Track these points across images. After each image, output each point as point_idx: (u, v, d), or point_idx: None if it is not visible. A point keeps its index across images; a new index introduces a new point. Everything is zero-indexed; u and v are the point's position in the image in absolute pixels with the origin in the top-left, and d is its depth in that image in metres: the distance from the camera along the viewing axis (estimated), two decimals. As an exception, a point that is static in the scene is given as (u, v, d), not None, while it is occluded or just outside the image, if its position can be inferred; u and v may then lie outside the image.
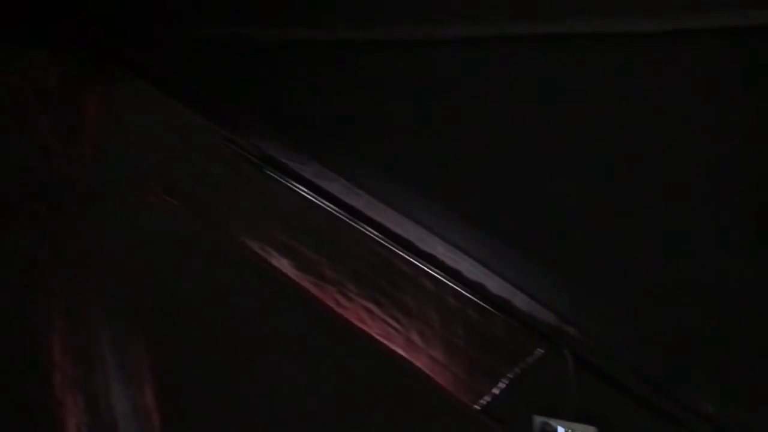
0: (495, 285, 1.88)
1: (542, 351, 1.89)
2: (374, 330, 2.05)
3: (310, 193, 1.97)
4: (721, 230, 1.61)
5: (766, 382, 1.66)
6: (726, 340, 1.66)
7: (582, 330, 1.81)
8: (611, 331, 1.78)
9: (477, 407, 2.00)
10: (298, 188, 1.97)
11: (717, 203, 1.58)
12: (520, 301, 1.86)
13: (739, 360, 1.65)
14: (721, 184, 1.56)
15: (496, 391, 1.97)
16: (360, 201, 1.91)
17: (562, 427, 1.85)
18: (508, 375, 1.94)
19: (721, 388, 1.69)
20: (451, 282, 1.92)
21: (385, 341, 2.06)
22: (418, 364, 2.05)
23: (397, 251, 1.94)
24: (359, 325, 2.07)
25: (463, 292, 1.92)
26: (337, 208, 1.96)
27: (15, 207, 2.10)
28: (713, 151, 1.54)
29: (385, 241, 1.94)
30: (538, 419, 1.89)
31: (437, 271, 1.92)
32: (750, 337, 1.64)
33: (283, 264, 2.10)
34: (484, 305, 1.91)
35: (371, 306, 2.04)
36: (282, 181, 1.98)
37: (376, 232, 1.94)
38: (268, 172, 2.00)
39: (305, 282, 2.09)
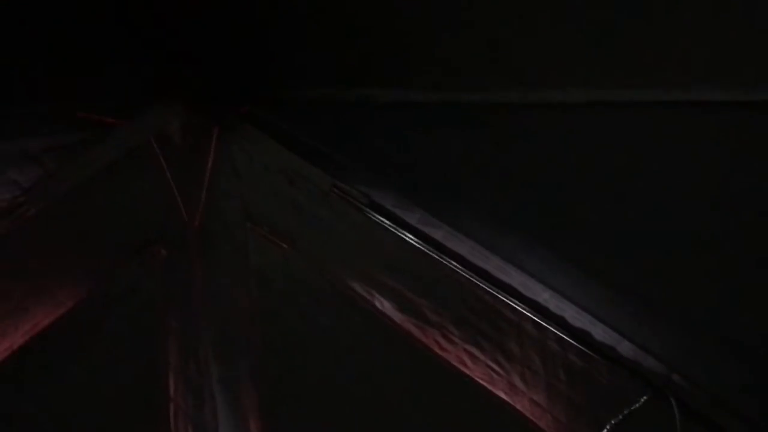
0: (600, 332, 1.90)
1: (647, 398, 1.89)
2: (476, 373, 2.10)
3: (415, 239, 2.05)
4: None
5: None
6: None
7: (689, 378, 1.81)
8: (719, 378, 1.78)
9: (579, 453, 2.01)
10: (404, 234, 2.06)
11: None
12: (625, 348, 1.88)
13: None
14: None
15: (598, 437, 1.98)
16: (464, 247, 1.98)
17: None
18: (612, 422, 1.95)
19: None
20: (554, 328, 1.95)
21: (487, 384, 2.10)
22: (519, 407, 2.08)
23: (500, 296, 1.99)
24: (461, 368, 2.12)
25: (566, 338, 1.95)
26: (440, 254, 2.03)
27: (138, 250, 2.26)
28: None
29: (488, 287, 1.99)
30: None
31: (540, 316, 1.96)
32: None
33: (386, 306, 2.18)
34: (588, 351, 1.93)
35: (473, 350, 2.09)
36: (388, 227, 2.07)
37: (479, 278, 2.00)
38: (375, 218, 2.09)
39: (408, 324, 2.16)
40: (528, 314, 1.98)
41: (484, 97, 1.64)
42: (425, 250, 2.06)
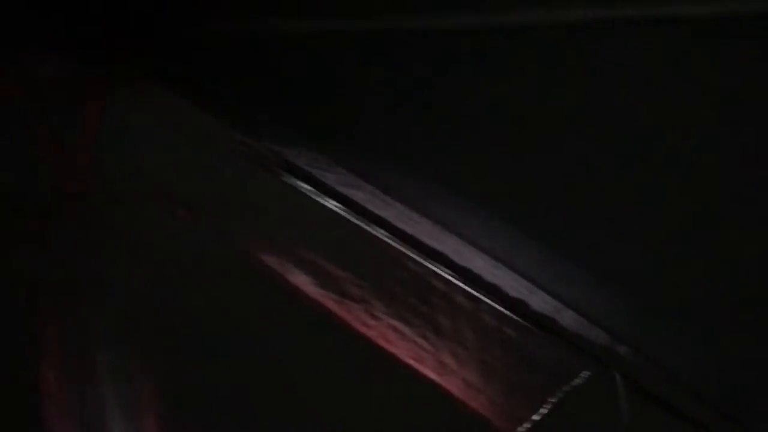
0: (539, 301, 1.73)
1: (590, 374, 1.74)
2: (403, 351, 1.89)
3: (335, 203, 1.81)
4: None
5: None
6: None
7: (636, 350, 1.67)
8: (669, 350, 1.64)
9: (516, 435, 1.84)
10: (322, 197, 1.81)
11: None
12: (566, 318, 1.72)
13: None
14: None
15: (537, 417, 1.81)
16: (391, 211, 1.75)
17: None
18: (551, 400, 1.78)
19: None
20: (488, 298, 1.77)
21: (414, 364, 1.89)
22: (450, 388, 1.88)
23: (431, 266, 1.79)
24: (386, 346, 1.90)
25: (501, 309, 1.77)
26: (364, 219, 1.81)
27: (5, 223, 1.90)
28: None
29: (417, 255, 1.78)
30: (586, 448, 1.74)
31: (474, 286, 1.77)
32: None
33: (303, 281, 1.92)
34: (525, 323, 1.76)
35: (400, 326, 1.87)
36: (303, 190, 1.82)
37: (407, 245, 1.78)
38: (288, 180, 1.83)
39: (327, 300, 1.91)
40: (460, 284, 1.78)
41: (420, 24, 1.41)
42: (346, 215, 1.83)
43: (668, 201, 1.58)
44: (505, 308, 1.75)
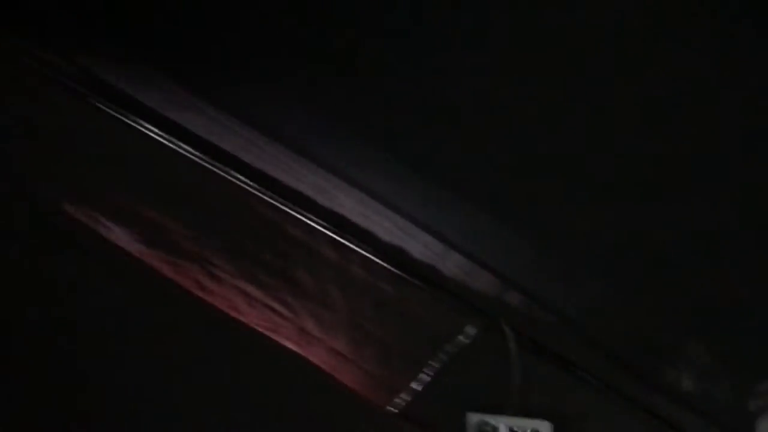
0: (419, 248, 1.44)
1: (477, 330, 1.48)
2: (253, 320, 1.53)
3: (160, 132, 1.40)
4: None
5: (745, 355, 1.38)
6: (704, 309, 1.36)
7: (528, 298, 1.43)
8: (565, 299, 1.42)
9: (393, 409, 1.54)
10: (141, 125, 1.40)
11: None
12: (450, 266, 1.44)
13: (719, 334, 1.37)
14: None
15: (417, 386, 1.53)
16: (236, 139, 1.38)
17: (505, 424, 1.46)
18: (433, 364, 1.51)
19: (695, 365, 1.40)
20: (359, 247, 1.45)
21: (269, 333, 1.54)
22: (314, 360, 1.55)
23: (286, 209, 1.44)
24: (232, 314, 1.53)
25: (375, 259, 1.46)
26: (200, 153, 1.42)
27: None
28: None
29: (270, 196, 1.42)
30: (474, 417, 1.48)
31: (340, 232, 1.45)
32: (730, 305, 1.35)
33: (121, 237, 1.50)
34: (403, 275, 1.46)
35: (249, 288, 1.51)
36: (117, 114, 1.39)
37: (256, 184, 1.42)
38: (96, 103, 1.40)
39: (154, 260, 1.50)
40: (323, 230, 1.45)
41: None
42: (177, 148, 1.42)
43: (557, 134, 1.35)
44: (379, 258, 1.45)
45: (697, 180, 1.27)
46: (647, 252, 1.39)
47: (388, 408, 1.54)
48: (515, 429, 1.46)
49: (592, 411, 1.44)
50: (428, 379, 1.52)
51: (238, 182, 1.42)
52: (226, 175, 1.42)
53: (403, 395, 1.54)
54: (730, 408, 1.39)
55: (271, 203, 1.43)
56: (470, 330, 1.49)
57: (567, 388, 1.45)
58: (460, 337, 1.49)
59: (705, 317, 1.35)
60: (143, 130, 1.40)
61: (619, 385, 1.42)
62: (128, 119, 1.39)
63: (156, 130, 1.39)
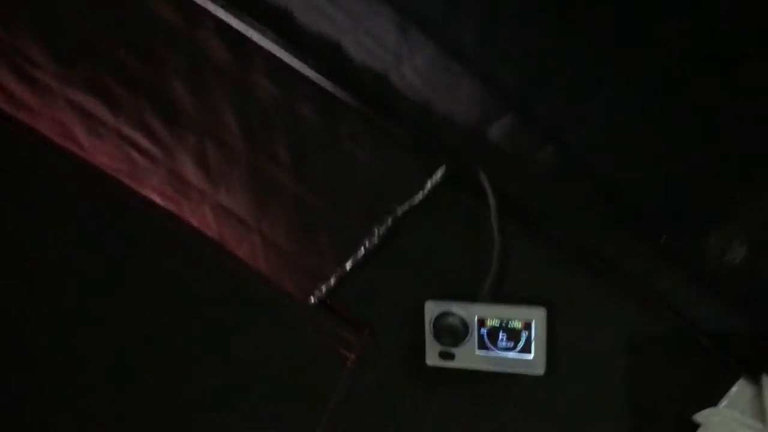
0: (354, 47, 0.92)
1: (444, 170, 0.99)
2: (99, 157, 0.98)
3: None
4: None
5: None
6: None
7: (521, 125, 0.94)
8: (554, 125, 0.94)
9: (315, 298, 1.05)
10: None
11: None
12: (405, 75, 0.93)
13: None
14: None
15: (350, 266, 1.04)
16: None
17: (479, 315, 0.99)
18: (376, 230, 1.02)
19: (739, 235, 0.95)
20: (267, 46, 0.92)
21: (124, 179, 1.00)
22: (196, 223, 1.03)
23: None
24: (65, 144, 0.98)
25: (290, 63, 0.93)
26: None
27: None
28: None
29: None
30: (433, 307, 1.00)
31: (238, 16, 0.91)
32: None
33: None
34: (333, 91, 0.95)
35: (92, 104, 0.96)
36: None
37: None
38: None
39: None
40: (211, 11, 0.91)
41: None
42: None
43: None
44: (295, 61, 0.92)
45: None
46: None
47: (309, 297, 1.05)
48: (489, 319, 0.99)
49: (591, 295, 0.99)
50: (366, 254, 1.03)
51: None
52: None
53: (332, 279, 1.05)
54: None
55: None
56: (431, 181, 0.99)
57: (558, 266, 0.98)
58: (418, 194, 1.00)
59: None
60: None
61: (625, 264, 0.97)
62: None
63: None
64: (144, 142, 0.98)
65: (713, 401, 1.00)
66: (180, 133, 0.98)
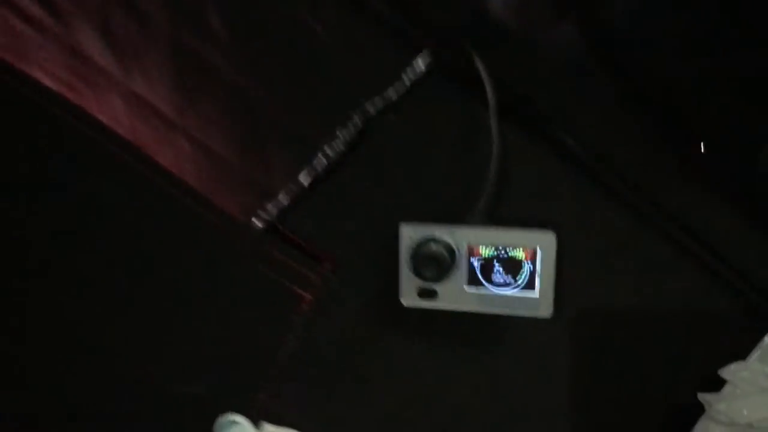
0: None
1: (429, 59, 0.76)
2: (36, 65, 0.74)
3: None
4: None
5: None
6: None
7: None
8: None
9: (260, 223, 0.82)
10: None
11: None
12: None
13: None
14: None
15: (305, 179, 0.81)
16: None
17: (470, 240, 0.77)
18: (339, 136, 0.79)
19: None
20: None
21: (11, 59, 0.76)
22: (105, 119, 0.79)
23: None
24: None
25: None
26: None
27: None
28: None
29: None
30: (411, 232, 0.78)
31: None
32: None
33: None
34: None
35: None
36: None
37: None
38: None
39: None
40: None
41: None
42: None
43: None
44: None
45: None
46: None
47: (254, 221, 0.82)
48: (482, 246, 0.77)
49: (609, 218, 0.77)
50: (327, 165, 0.80)
51: None
52: None
53: (283, 197, 0.82)
54: None
55: None
56: (411, 70, 0.76)
57: (570, 181, 0.77)
58: (395, 86, 0.77)
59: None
60: None
61: (654, 182, 0.76)
62: None
63: None
64: (32, 7, 0.74)
65: (742, 354, 0.79)
66: (73, 9, 0.74)
